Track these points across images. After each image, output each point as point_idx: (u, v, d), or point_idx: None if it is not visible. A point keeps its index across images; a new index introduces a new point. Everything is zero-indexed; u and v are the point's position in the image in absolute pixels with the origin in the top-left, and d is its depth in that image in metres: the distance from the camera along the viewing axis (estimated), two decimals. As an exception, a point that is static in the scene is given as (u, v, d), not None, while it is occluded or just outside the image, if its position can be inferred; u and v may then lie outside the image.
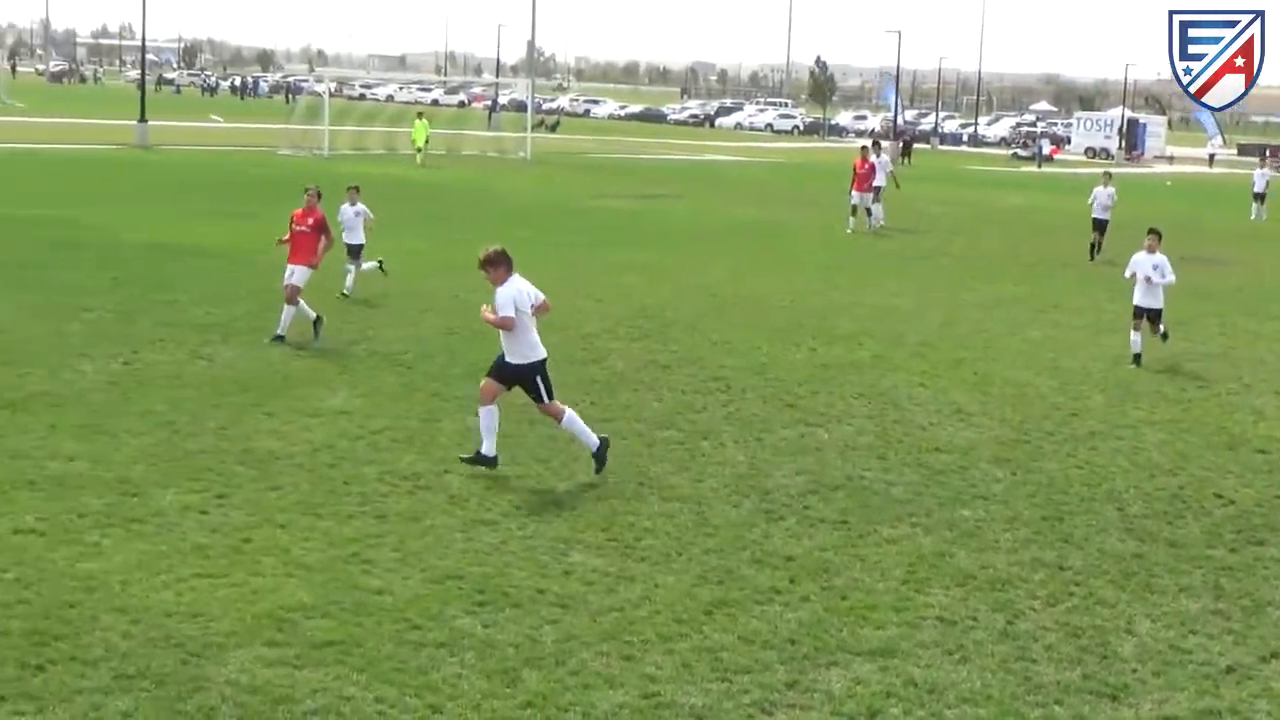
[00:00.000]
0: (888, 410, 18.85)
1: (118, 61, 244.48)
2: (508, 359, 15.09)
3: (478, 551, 12.50)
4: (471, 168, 62.74)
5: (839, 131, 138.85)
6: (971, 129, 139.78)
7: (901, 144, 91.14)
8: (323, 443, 15.65)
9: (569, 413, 15.32)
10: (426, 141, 62.47)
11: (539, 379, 15.08)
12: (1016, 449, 17.17)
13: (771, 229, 43.01)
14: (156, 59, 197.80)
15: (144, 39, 75.28)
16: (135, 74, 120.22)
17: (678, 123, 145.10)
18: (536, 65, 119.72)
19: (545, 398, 15.16)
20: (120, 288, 25.20)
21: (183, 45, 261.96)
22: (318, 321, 21.44)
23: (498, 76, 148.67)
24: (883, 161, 44.56)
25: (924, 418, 18.54)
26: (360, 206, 26.26)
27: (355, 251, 26.04)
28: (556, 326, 23.30)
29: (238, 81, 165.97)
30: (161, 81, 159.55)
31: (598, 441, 15.21)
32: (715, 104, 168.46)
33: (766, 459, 16.12)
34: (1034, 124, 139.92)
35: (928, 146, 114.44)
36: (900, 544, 13.32)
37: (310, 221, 21.82)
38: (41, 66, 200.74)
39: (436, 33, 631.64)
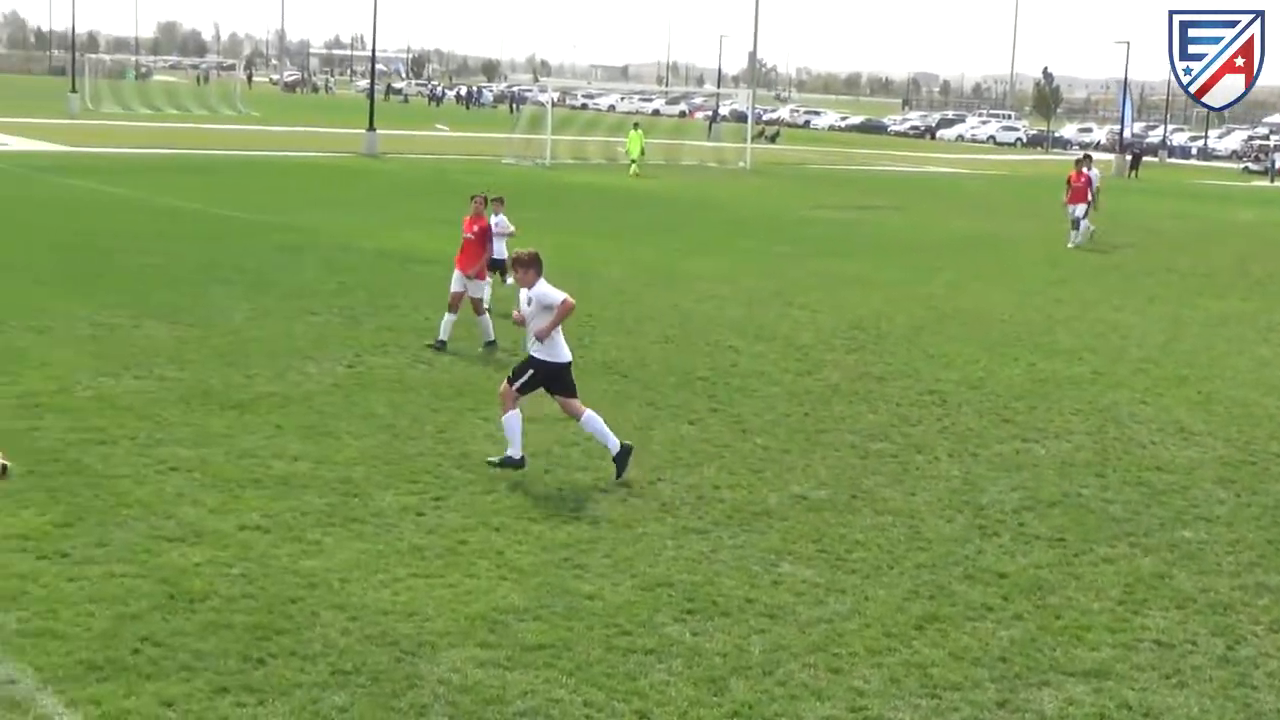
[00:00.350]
0: (1107, 427, 18.49)
1: (348, 71, 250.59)
2: (538, 356, 15.14)
3: (688, 559, 12.56)
4: (691, 177, 62.98)
5: (1063, 144, 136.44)
6: (1201, 142, 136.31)
7: (1129, 157, 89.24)
8: (538, 448, 15.84)
9: (588, 413, 15.32)
10: (642, 152, 62.67)
11: (538, 375, 15.11)
12: (1242, 470, 16.71)
13: (991, 241, 42.46)
14: (386, 69, 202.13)
15: (374, 49, 76.97)
16: (365, 83, 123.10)
17: (898, 134, 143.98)
18: (758, 76, 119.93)
19: (536, 392, 15.33)
20: (346, 292, 25.80)
21: (411, 55, 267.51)
22: (491, 344, 21.37)
23: (719, 87, 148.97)
24: (1094, 175, 43.75)
25: (1145, 435, 18.15)
26: (501, 218, 25.29)
27: (496, 266, 24.44)
28: (769, 336, 23.41)
29: (463, 91, 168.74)
30: (390, 91, 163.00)
31: (618, 446, 15.13)
32: (937, 115, 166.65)
33: (981, 474, 15.92)
34: (1267, 137, 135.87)
35: (1155, 160, 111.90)
36: (1117, 564, 13.06)
37: (476, 229, 21.93)
38: (276, 76, 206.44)
39: (659, 43, 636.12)
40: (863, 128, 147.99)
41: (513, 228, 25.74)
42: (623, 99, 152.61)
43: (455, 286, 21.59)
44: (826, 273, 32.09)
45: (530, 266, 15.05)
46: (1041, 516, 14.36)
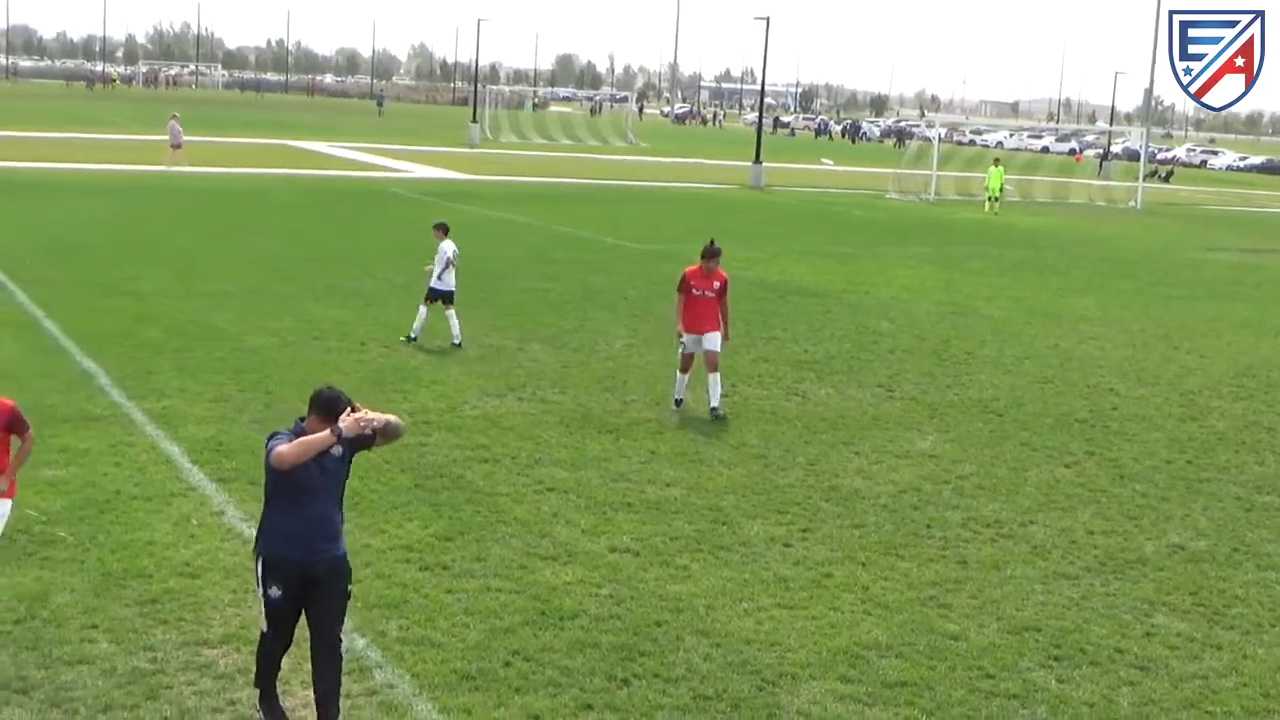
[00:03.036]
0: None
1: (737, 105, 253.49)
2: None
3: (1057, 605, 12.31)
4: (1078, 216, 61.57)
5: None
6: None
7: None
8: (908, 484, 15.76)
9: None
10: (1001, 189, 60.72)
11: None
12: None
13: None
14: (774, 102, 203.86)
15: (763, 83, 77.52)
16: (753, 116, 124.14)
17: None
18: (1153, 113, 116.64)
19: None
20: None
21: (800, 89, 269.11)
22: (677, 402, 19.04)
23: (1111, 124, 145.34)
24: None
25: None
26: (447, 244, 23.08)
27: (436, 296, 22.79)
28: (1152, 380, 22.73)
29: (849, 125, 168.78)
30: (778, 124, 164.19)
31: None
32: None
33: (1377, 533, 15.12)
34: None
35: None
36: None
37: (716, 285, 19.01)
38: (666, 109, 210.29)
39: (1051, 79, 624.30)
40: (1264, 168, 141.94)
41: (451, 256, 23.01)
42: (1011, 135, 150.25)
43: (685, 347, 18.90)
44: (1216, 317, 30.97)
45: None
46: None
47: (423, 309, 22.80)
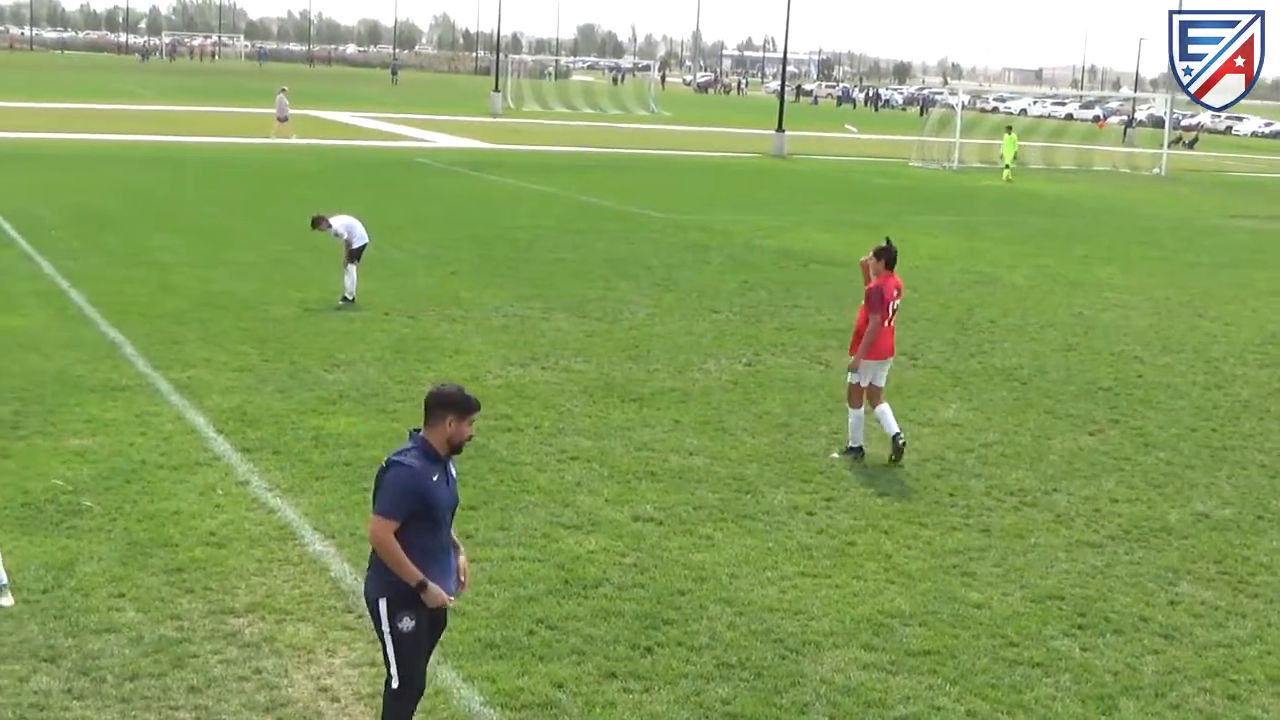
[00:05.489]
0: None
1: (759, 73, 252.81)
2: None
3: (1081, 573, 12.30)
4: (1102, 183, 61.33)
5: None
6: None
7: None
8: (932, 453, 15.75)
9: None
10: (1015, 157, 60.25)
11: None
12: None
13: None
14: (797, 70, 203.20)
15: (785, 51, 77.34)
16: (775, 85, 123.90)
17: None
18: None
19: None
20: (748, 291, 26.10)
21: (822, 57, 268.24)
22: (853, 450, 15.53)
23: (1135, 91, 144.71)
24: None
25: None
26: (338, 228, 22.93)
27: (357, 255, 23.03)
28: (1177, 348, 22.66)
29: (871, 93, 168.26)
30: (800, 92, 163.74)
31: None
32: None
33: (1402, 501, 15.08)
34: None
35: None
36: None
37: (897, 294, 15.58)
38: (689, 77, 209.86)
39: (1075, 46, 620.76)
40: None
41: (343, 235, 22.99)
42: (1035, 102, 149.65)
43: (864, 378, 15.44)
44: (1241, 284, 30.83)
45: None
46: None
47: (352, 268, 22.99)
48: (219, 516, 12.56)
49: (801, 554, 12.39)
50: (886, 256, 15.29)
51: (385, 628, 7.87)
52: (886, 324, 15.26)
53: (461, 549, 8.25)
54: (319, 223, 22.91)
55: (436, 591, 7.79)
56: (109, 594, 10.72)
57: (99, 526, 12.16)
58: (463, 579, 8.18)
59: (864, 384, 15.35)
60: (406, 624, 7.83)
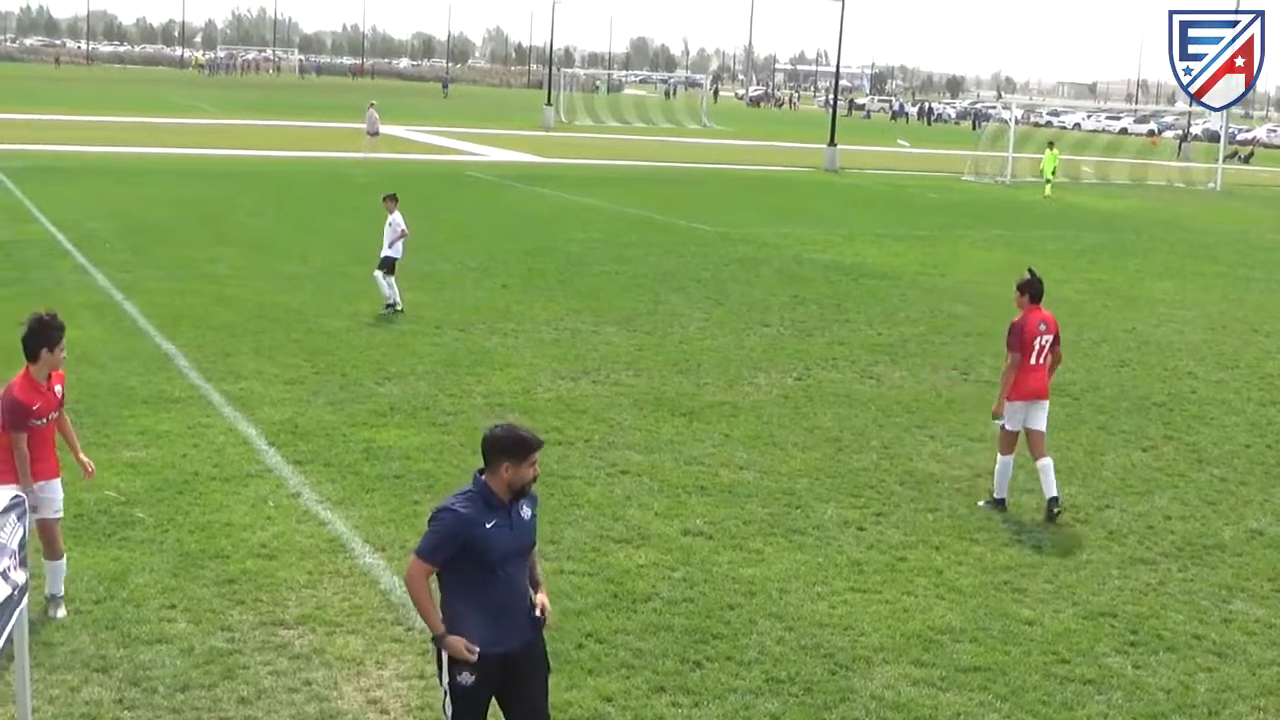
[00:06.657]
0: None
1: (812, 87, 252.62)
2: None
3: (1133, 590, 12.21)
4: (1156, 198, 60.91)
5: None
6: None
7: None
8: (984, 468, 15.65)
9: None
10: (1054, 171, 59.37)
11: None
12: None
13: None
14: (849, 84, 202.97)
15: (838, 65, 77.28)
16: (827, 98, 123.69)
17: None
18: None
19: None
20: (799, 305, 26.05)
21: (874, 71, 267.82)
22: (996, 502, 14.41)
23: (1190, 105, 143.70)
24: None
25: None
26: (396, 216, 23.64)
27: (389, 264, 23.39)
28: (1231, 364, 22.49)
29: (923, 107, 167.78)
30: (852, 106, 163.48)
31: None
32: None
33: None
34: None
35: None
36: None
37: (1047, 329, 14.56)
38: (741, 91, 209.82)
39: (1130, 60, 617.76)
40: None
41: (406, 228, 23.80)
42: (1089, 116, 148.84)
43: (1012, 422, 14.31)
44: (1299, 299, 30.57)
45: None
46: None
47: (378, 274, 23.39)
48: (270, 528, 12.63)
49: (852, 569, 12.35)
50: (1031, 290, 14.43)
51: (445, 679, 7.59)
52: (1033, 361, 14.18)
53: (541, 584, 8.01)
54: (390, 200, 23.71)
55: (456, 645, 7.43)
56: (160, 605, 10.78)
57: (151, 538, 12.24)
58: (540, 614, 7.85)
59: (1012, 428, 14.29)
60: (466, 679, 7.53)
